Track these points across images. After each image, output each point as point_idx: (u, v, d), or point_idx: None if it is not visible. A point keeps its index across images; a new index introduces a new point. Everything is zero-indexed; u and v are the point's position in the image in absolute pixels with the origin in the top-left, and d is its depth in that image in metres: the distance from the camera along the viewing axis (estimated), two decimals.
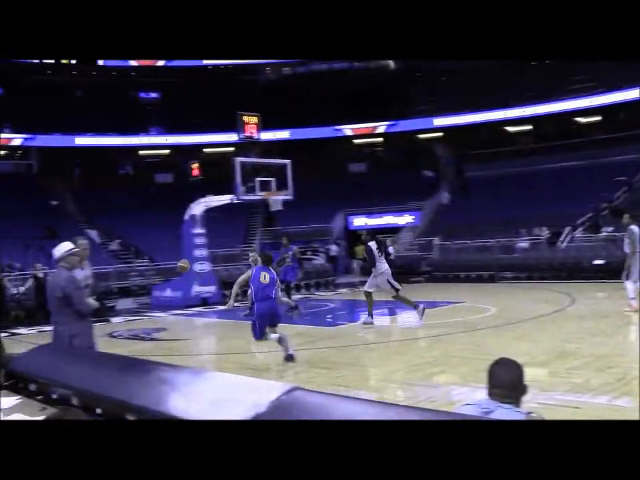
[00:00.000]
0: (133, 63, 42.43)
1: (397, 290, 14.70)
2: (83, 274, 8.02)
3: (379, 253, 14.76)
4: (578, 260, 24.50)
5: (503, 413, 3.20)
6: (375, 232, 16.84)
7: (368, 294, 14.88)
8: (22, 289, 22.10)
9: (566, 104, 38.00)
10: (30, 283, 21.70)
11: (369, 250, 14.72)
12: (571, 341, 10.92)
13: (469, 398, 6.10)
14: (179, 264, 16.26)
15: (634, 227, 13.86)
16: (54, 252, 7.43)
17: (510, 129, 42.35)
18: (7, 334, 16.78)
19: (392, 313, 16.73)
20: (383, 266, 14.65)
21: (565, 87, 37.40)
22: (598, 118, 39.00)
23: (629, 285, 13.78)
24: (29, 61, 39.11)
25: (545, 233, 28.10)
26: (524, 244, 28.07)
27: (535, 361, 9.26)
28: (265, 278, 10.79)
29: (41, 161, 41.10)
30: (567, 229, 28.59)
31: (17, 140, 38.19)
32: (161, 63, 42.48)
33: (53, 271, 9.13)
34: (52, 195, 38.36)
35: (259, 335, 10.70)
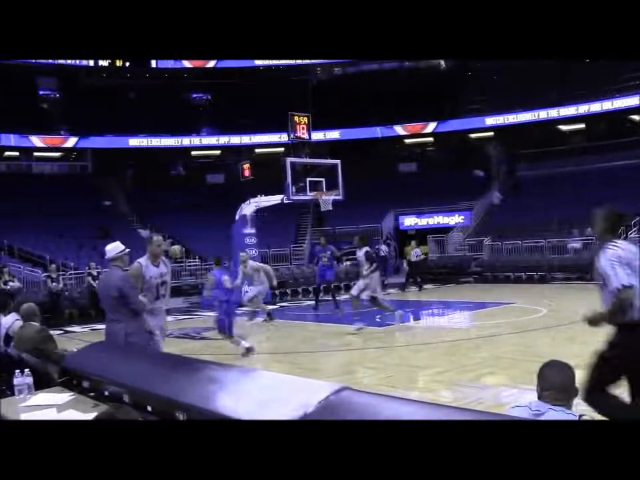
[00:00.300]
0: (185, 64, 42.85)
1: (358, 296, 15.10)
2: (158, 271, 7.77)
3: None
4: None
5: (554, 415, 3.15)
6: (367, 236, 16.77)
7: (373, 299, 14.96)
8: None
9: (619, 102, 37.02)
10: (90, 280, 22.12)
11: (370, 255, 14.73)
12: None
13: (518, 400, 6.04)
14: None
15: None
16: (106, 251, 7.41)
17: (562, 127, 41.58)
18: (60, 332, 17.14)
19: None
20: (376, 272, 14.78)
21: (617, 84, 36.63)
22: None
23: None
24: (85, 63, 39.87)
25: None
26: (576, 244, 27.65)
27: (587, 364, 9.12)
28: (227, 282, 11.99)
29: (95, 162, 41.76)
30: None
31: (72, 141, 38.86)
32: (211, 64, 42.82)
33: (106, 270, 9.18)
34: (105, 195, 38.96)
35: (231, 331, 12.14)
